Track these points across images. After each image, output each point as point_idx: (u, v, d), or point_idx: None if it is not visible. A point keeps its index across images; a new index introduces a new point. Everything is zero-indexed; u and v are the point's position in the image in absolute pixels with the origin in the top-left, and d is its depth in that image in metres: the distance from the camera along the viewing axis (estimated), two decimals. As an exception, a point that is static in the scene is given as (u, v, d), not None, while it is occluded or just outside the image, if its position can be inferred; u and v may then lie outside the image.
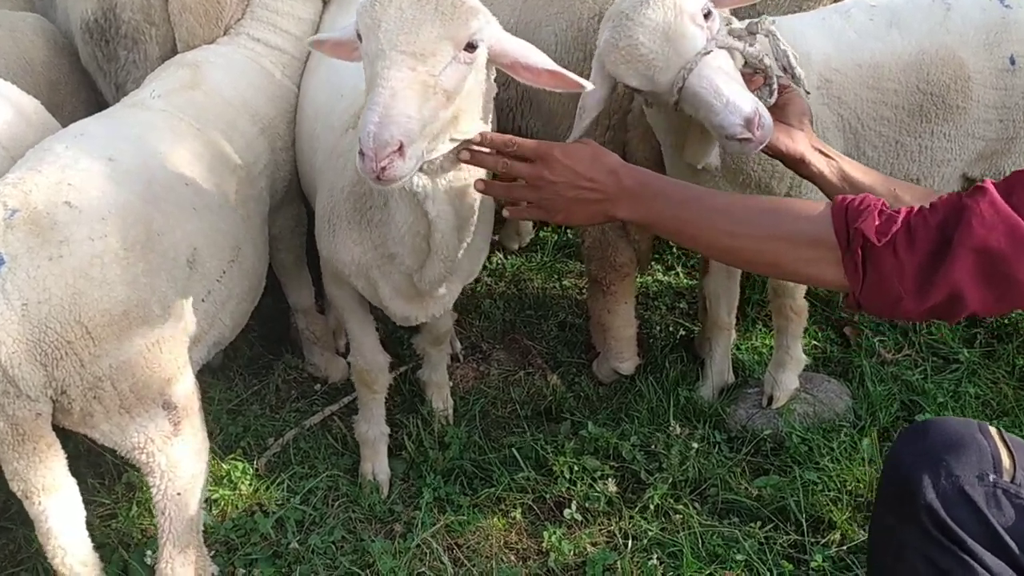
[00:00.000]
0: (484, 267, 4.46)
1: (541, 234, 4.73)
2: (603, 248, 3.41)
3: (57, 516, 2.23)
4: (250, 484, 3.13)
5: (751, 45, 2.36)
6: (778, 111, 2.34)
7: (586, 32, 3.13)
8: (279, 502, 3.06)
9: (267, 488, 3.11)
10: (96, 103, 3.49)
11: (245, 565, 2.83)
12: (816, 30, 3.02)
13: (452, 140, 2.11)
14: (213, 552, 2.80)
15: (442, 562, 2.81)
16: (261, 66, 3.14)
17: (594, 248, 3.44)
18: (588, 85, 2.22)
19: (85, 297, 2.10)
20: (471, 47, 2.01)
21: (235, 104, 3.00)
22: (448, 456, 3.22)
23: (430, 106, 1.93)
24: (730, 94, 2.14)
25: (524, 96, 3.40)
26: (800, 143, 2.30)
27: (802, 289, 3.24)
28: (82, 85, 3.52)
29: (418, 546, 2.85)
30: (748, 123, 2.11)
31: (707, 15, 2.28)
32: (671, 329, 3.95)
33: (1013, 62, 2.98)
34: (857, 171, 2.27)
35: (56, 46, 3.45)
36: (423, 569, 2.79)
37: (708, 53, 2.22)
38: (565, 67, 3.08)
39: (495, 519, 3.00)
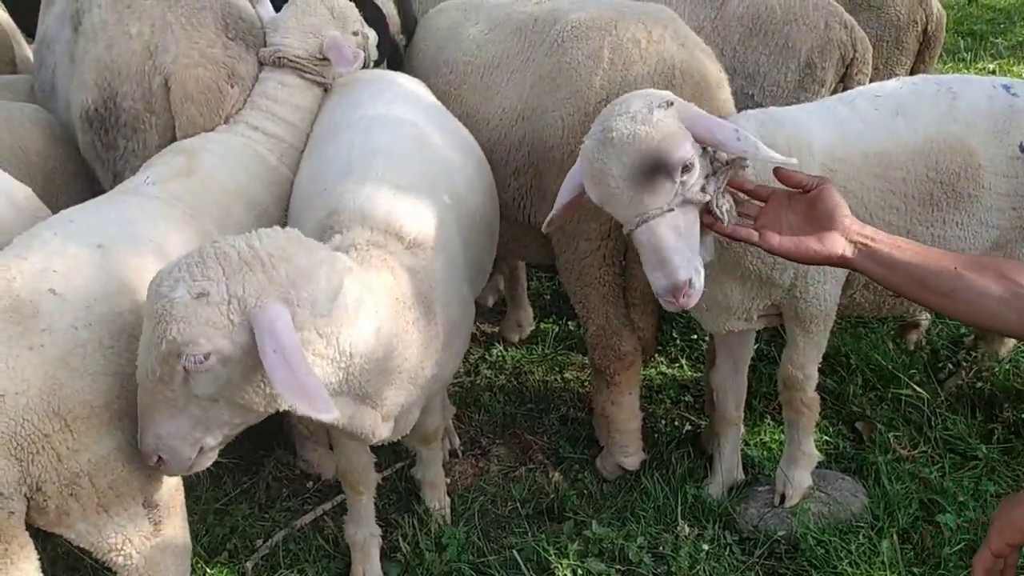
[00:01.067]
0: (484, 359, 4.37)
1: (542, 326, 4.65)
2: (607, 336, 3.33)
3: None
4: (235, 590, 2.95)
5: (737, 172, 2.42)
6: (807, 212, 2.30)
7: (592, 117, 3.12)
8: (265, 609, 2.88)
9: (253, 594, 2.93)
10: (92, 193, 3.44)
11: None
12: (820, 120, 3.00)
13: None
14: (192, 665, 2.61)
15: None
16: (258, 153, 3.11)
17: (598, 336, 3.35)
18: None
19: (65, 388, 2.00)
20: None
21: (231, 191, 2.97)
22: (445, 559, 3.05)
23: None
24: (670, 257, 2.27)
25: (533, 185, 3.38)
26: (835, 244, 2.23)
27: (813, 382, 3.13)
28: (79, 175, 3.49)
29: (413, 658, 2.67)
30: (674, 290, 2.28)
31: (687, 168, 2.30)
32: (676, 423, 3.82)
33: (1023, 150, 2.96)
34: (911, 254, 2.20)
35: (53, 136, 3.44)
36: None
37: (669, 211, 2.30)
38: (571, 152, 3.14)
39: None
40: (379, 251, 2.39)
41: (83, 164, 3.50)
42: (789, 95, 3.72)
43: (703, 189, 2.35)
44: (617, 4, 3.35)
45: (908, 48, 4.40)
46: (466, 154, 3.16)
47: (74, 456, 2.01)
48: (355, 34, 3.40)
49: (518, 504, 3.32)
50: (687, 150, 2.30)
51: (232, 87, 3.12)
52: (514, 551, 3.03)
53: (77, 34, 3.25)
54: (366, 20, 3.64)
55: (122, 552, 2.17)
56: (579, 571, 2.94)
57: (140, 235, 2.47)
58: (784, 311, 3.07)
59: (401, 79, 3.47)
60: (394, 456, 3.52)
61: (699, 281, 2.31)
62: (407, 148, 2.87)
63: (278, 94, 3.20)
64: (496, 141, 3.38)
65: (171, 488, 2.27)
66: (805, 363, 3.09)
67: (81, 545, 2.19)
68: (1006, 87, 3.03)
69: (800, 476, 3.18)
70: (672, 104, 2.38)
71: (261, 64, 3.27)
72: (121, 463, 2.09)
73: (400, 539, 3.13)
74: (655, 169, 2.27)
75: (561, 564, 2.95)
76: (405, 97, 3.27)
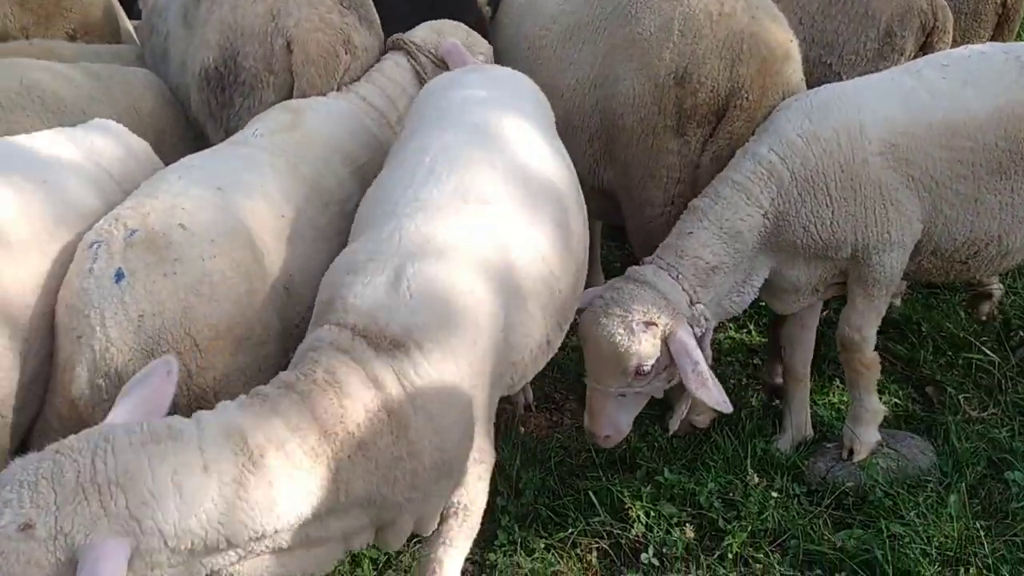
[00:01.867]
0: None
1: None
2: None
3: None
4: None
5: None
6: None
7: (662, 88, 3.25)
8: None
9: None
10: (197, 151, 3.70)
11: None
12: (880, 94, 3.08)
13: None
14: None
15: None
16: (360, 119, 3.27)
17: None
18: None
19: (195, 312, 2.21)
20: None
21: (330, 145, 3.11)
22: (523, 502, 3.22)
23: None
24: (598, 419, 3.06)
25: (605, 150, 3.51)
26: None
27: (871, 343, 3.21)
28: (185, 136, 3.73)
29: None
30: (593, 437, 3.12)
31: (640, 373, 2.94)
32: (745, 383, 3.92)
33: None
34: None
35: (163, 98, 3.68)
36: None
37: (615, 392, 2.99)
38: (639, 121, 3.23)
39: (571, 562, 2.98)
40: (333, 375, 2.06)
41: (189, 127, 3.74)
42: (868, 64, 3.76)
43: (651, 383, 3.01)
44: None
45: (986, 20, 4.37)
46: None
47: (202, 374, 2.22)
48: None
49: (592, 453, 3.46)
50: (644, 367, 2.92)
51: (346, 53, 3.30)
52: (590, 493, 3.18)
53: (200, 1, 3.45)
54: None
55: None
56: (651, 513, 3.08)
57: (251, 180, 2.67)
58: (849, 274, 3.16)
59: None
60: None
61: (621, 433, 3.11)
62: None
63: (392, 73, 3.41)
64: (571, 110, 3.51)
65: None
66: (863, 325, 3.18)
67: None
68: None
69: (866, 432, 3.27)
70: (655, 326, 2.91)
71: (386, 48, 3.52)
72: (241, 383, 2.29)
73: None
74: (613, 366, 2.94)
75: (635, 506, 3.09)
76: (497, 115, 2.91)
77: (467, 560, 2.97)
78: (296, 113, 3.16)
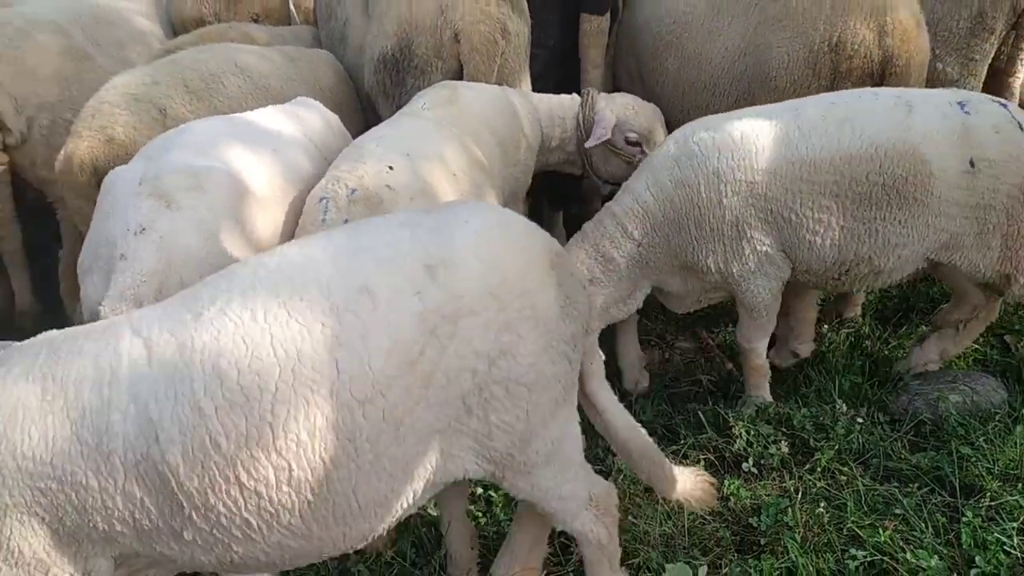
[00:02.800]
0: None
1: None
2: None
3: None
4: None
5: None
6: None
7: (816, 54, 3.77)
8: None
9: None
10: (366, 124, 4.36)
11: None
12: (750, 133, 3.43)
13: None
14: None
15: (639, 498, 3.41)
16: (507, 99, 3.85)
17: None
18: None
19: None
20: None
21: (480, 118, 3.72)
22: (643, 420, 3.81)
23: None
24: None
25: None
26: None
27: (759, 352, 3.81)
28: (355, 108, 4.41)
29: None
30: None
31: None
32: (837, 324, 4.42)
33: (972, 164, 3.29)
34: None
35: (340, 76, 4.36)
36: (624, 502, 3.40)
37: None
38: (792, 83, 3.88)
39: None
40: None
41: (357, 100, 4.41)
42: (960, 42, 4.14)
43: None
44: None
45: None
46: None
47: None
48: (631, 143, 4.03)
49: (701, 379, 4.03)
50: None
51: (503, 39, 3.89)
52: (699, 413, 3.76)
53: None
54: None
55: None
56: (751, 431, 3.64)
57: (429, 148, 3.29)
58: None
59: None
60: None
61: None
62: None
63: (564, 102, 4.07)
64: (719, 76, 4.07)
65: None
66: (751, 336, 3.76)
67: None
68: (961, 104, 3.36)
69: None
70: None
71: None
72: None
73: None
74: None
75: (737, 425, 3.65)
76: None
77: (596, 466, 3.61)
78: (453, 89, 3.77)
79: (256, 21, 4.93)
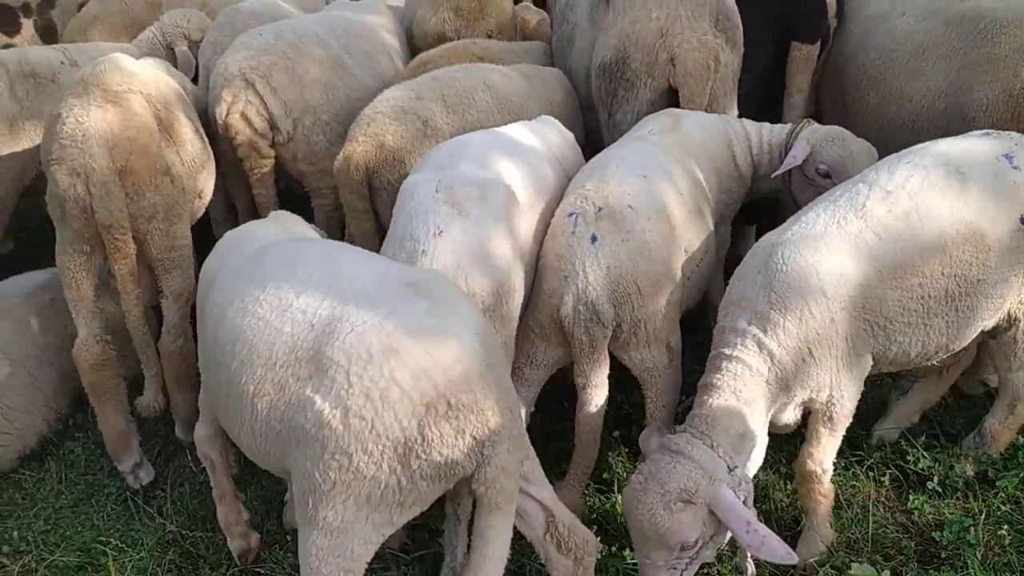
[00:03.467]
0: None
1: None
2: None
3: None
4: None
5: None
6: None
7: (1016, 99, 3.95)
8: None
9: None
10: (586, 133, 4.82)
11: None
12: (831, 245, 3.12)
13: None
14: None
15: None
16: (723, 128, 4.16)
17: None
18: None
19: (639, 268, 3.31)
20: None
21: (699, 145, 4.04)
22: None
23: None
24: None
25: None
26: None
27: (829, 474, 3.38)
28: (579, 121, 4.86)
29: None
30: None
31: (685, 547, 2.86)
32: None
33: (1023, 221, 3.19)
34: None
35: (567, 93, 4.82)
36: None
37: (671, 569, 2.93)
38: (992, 123, 3.96)
39: (868, 483, 3.85)
40: None
41: (579, 114, 4.86)
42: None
43: (699, 553, 2.94)
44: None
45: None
46: None
47: (641, 309, 3.35)
48: (822, 174, 4.03)
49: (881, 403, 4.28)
50: (687, 542, 2.86)
51: (715, 70, 4.24)
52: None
53: (608, 6, 4.48)
54: (806, 2, 4.67)
55: (650, 371, 3.52)
56: (934, 449, 3.88)
57: (661, 170, 3.68)
58: (812, 412, 3.32)
59: None
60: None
61: None
62: None
63: (776, 131, 4.22)
64: (920, 112, 4.29)
65: (679, 340, 3.60)
66: (824, 458, 3.33)
67: (631, 365, 3.54)
68: (1008, 157, 3.23)
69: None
70: (692, 503, 2.85)
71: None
72: (661, 318, 3.41)
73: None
74: (656, 543, 2.88)
75: (917, 443, 3.90)
76: None
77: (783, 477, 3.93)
78: (676, 118, 4.12)
79: (490, 36, 5.47)
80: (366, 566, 2.61)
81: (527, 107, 4.51)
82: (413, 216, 3.26)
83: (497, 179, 3.41)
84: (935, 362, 3.57)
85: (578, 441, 3.60)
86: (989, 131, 3.49)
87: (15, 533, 3.93)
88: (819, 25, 4.75)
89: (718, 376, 3.12)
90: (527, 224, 3.53)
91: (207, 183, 4.47)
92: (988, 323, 3.44)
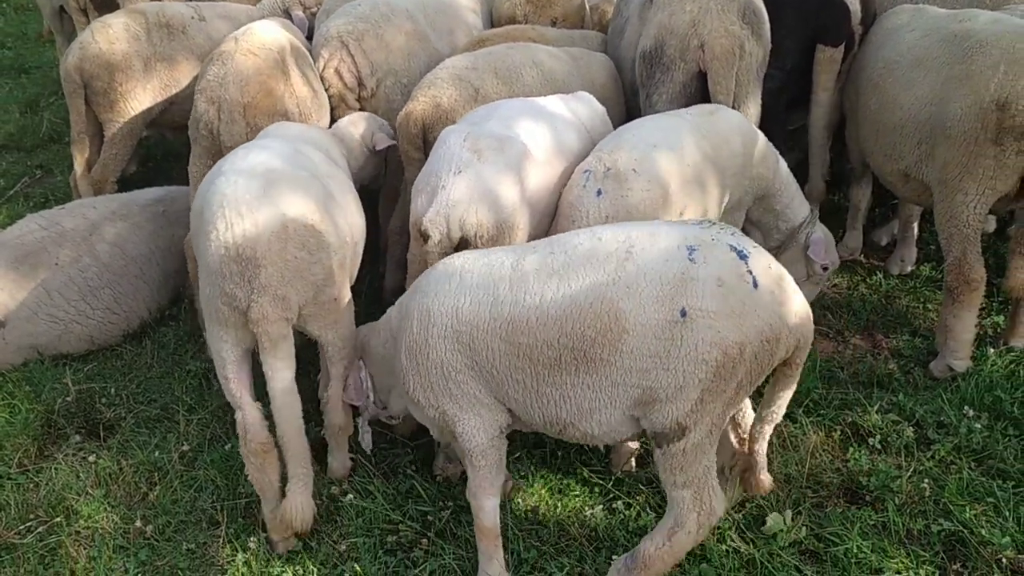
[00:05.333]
0: (864, 282, 5.74)
1: (920, 268, 5.85)
2: (961, 265, 4.63)
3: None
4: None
5: None
6: None
7: (985, 111, 4.36)
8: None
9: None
10: (628, 114, 5.43)
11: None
12: (471, 284, 3.33)
13: None
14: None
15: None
16: (756, 135, 4.61)
17: (954, 264, 4.66)
18: None
19: (632, 219, 3.91)
20: None
21: (729, 130, 4.48)
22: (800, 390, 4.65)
23: None
24: None
25: (928, 152, 4.74)
26: None
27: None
28: (621, 102, 5.49)
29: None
30: None
31: None
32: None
33: (684, 314, 2.98)
34: None
35: (611, 76, 5.45)
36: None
37: None
38: (963, 132, 4.46)
39: (820, 434, 4.38)
40: None
41: (621, 96, 5.48)
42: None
43: None
44: (1019, 24, 4.46)
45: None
46: None
47: None
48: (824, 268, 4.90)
49: (858, 375, 4.79)
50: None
51: (740, 57, 4.77)
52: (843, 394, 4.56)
53: (652, 3, 5.10)
54: (832, 9, 5.17)
55: None
56: (883, 418, 4.39)
57: (674, 140, 4.23)
58: None
59: None
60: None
61: None
62: None
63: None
64: (907, 120, 4.75)
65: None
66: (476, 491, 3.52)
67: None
68: (690, 249, 3.07)
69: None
70: None
71: None
72: None
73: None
74: None
75: (870, 411, 4.41)
76: None
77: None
78: (715, 108, 4.63)
79: (554, 24, 6.14)
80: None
81: (570, 84, 5.16)
82: (441, 158, 3.99)
83: (516, 137, 4.11)
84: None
85: None
86: (702, 220, 3.37)
87: (112, 390, 4.90)
88: (843, 29, 5.25)
89: None
90: (544, 178, 4.20)
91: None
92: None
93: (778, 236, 4.86)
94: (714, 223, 3.29)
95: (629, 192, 3.98)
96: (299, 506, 3.67)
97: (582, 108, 4.68)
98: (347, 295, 3.97)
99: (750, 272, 3.07)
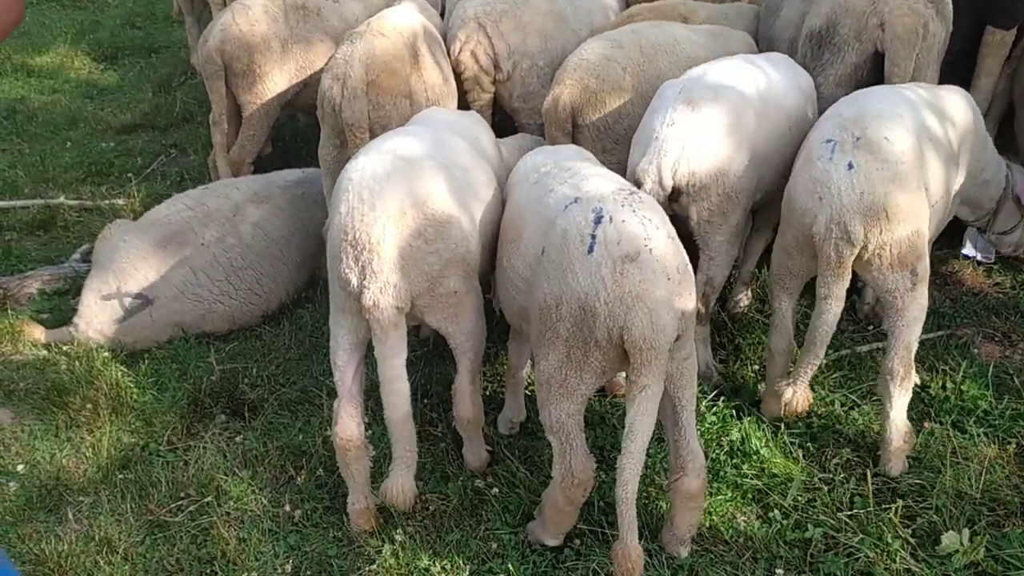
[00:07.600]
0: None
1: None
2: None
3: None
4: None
5: None
6: None
7: None
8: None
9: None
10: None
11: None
12: None
13: None
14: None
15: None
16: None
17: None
18: None
19: (890, 196, 3.61)
20: None
21: (951, 115, 4.26)
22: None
23: None
24: None
25: None
26: None
27: None
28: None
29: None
30: None
31: None
32: None
33: (542, 252, 3.33)
34: None
35: (750, 51, 5.14)
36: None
37: None
38: None
39: (993, 447, 4.08)
40: None
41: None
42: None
43: None
44: None
45: None
46: None
47: (887, 233, 3.65)
48: None
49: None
50: None
51: (923, 37, 4.45)
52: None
53: None
54: None
55: (894, 295, 3.78)
56: None
57: (918, 113, 3.98)
58: None
59: None
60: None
61: None
62: None
63: None
64: None
65: (927, 266, 3.89)
66: None
67: (877, 287, 3.81)
68: (593, 201, 3.24)
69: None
70: None
71: None
72: (906, 243, 3.70)
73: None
74: None
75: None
76: None
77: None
78: (938, 87, 4.43)
79: (706, -3, 5.85)
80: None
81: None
82: (656, 110, 4.15)
83: (732, 87, 4.15)
84: None
85: (809, 343, 3.91)
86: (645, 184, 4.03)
87: (254, 371, 4.94)
88: (1016, 13, 4.83)
89: None
90: (763, 129, 4.19)
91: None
92: None
93: (988, 205, 4.90)
94: (635, 191, 3.33)
95: (885, 164, 3.64)
96: (400, 487, 3.65)
97: (793, 68, 4.63)
98: (472, 288, 3.78)
99: (592, 236, 3.10)
